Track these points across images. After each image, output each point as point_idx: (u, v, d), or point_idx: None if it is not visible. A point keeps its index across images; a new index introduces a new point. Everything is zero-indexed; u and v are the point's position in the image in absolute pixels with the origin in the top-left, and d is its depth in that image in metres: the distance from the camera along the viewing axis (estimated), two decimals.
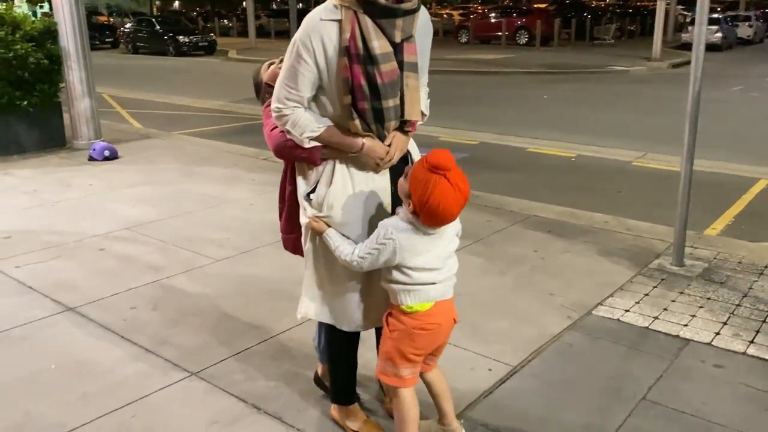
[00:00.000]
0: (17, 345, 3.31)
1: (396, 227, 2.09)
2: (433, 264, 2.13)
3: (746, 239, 4.83)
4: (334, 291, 2.34)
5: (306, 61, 2.10)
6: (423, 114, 2.36)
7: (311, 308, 2.42)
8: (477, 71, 18.14)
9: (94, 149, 7.32)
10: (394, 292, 2.15)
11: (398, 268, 2.12)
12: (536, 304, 3.74)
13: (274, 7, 44.14)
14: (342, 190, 2.23)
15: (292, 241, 2.57)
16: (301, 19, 2.24)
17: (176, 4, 57.33)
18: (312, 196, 2.27)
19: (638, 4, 45.43)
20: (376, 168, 2.25)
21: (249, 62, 21.10)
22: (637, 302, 3.74)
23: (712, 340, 3.30)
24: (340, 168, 2.24)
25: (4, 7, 7.43)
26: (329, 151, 2.25)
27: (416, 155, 2.41)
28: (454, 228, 2.19)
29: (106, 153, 7.30)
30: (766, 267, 4.24)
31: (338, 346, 2.51)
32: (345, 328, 2.37)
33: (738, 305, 3.69)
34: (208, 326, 3.48)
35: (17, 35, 7.28)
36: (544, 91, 14.15)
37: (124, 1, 51.55)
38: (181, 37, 26.43)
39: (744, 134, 9.36)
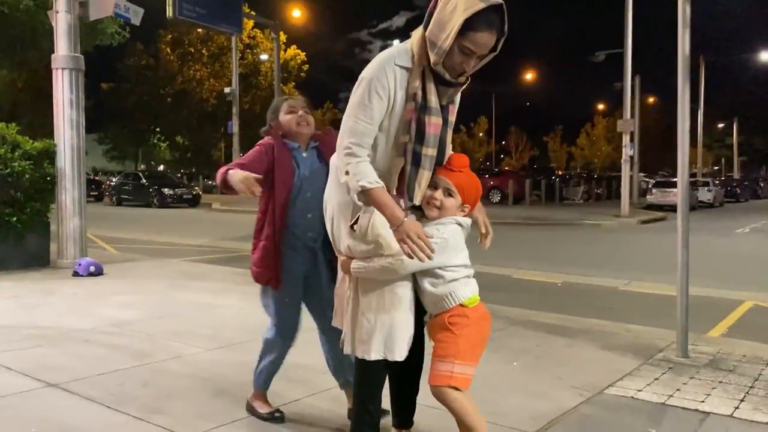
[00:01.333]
0: None
1: (443, 228, 2.29)
2: (467, 261, 2.35)
3: None
4: (383, 320, 2.36)
5: (381, 97, 2.30)
6: None
7: (362, 347, 2.40)
8: None
9: (79, 264, 7.22)
10: (451, 291, 2.30)
11: (445, 269, 2.28)
12: (546, 385, 3.61)
13: None
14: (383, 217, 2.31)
15: (262, 273, 2.88)
16: None
17: (161, 167, 59.42)
18: (355, 227, 2.35)
19: (602, 174, 48.30)
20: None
21: (234, 212, 21.55)
22: (649, 384, 3.63)
23: (732, 413, 3.18)
24: None
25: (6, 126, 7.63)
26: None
27: None
28: None
29: (92, 269, 7.18)
30: None
31: (373, 383, 2.47)
32: (397, 357, 2.37)
33: (751, 387, 3.60)
34: (204, 399, 3.27)
35: (16, 154, 7.45)
36: (521, 235, 14.54)
37: (110, 163, 53.35)
38: (165, 189, 26.69)
39: (723, 267, 9.60)
